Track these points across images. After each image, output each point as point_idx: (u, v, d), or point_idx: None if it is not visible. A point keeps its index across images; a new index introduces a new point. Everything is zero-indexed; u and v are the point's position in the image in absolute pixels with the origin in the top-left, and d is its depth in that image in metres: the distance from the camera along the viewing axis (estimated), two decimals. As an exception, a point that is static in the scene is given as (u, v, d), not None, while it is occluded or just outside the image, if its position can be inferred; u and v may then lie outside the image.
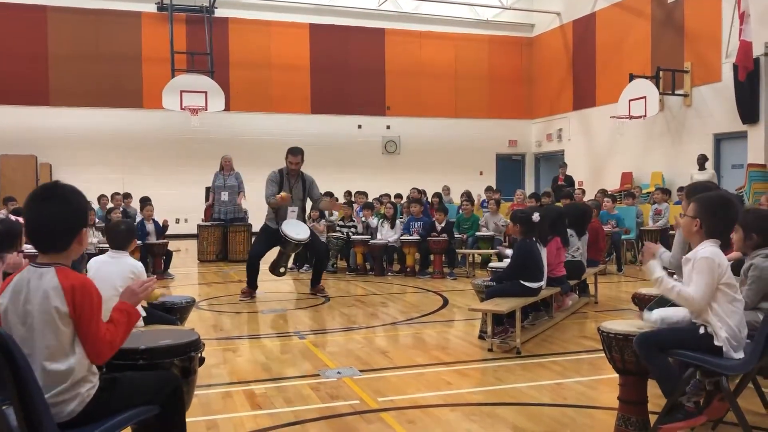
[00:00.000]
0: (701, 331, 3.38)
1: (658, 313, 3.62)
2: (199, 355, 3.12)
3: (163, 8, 18.68)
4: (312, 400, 4.44)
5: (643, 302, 4.83)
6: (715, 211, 3.47)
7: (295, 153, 8.57)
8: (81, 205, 2.66)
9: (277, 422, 4.03)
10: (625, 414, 3.60)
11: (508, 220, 11.84)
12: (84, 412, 2.56)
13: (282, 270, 8.91)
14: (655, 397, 3.67)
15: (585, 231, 7.68)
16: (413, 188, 14.71)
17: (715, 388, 3.58)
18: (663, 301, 4.42)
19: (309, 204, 9.25)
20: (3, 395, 2.39)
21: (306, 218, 8.93)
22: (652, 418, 3.56)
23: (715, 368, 3.34)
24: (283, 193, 8.34)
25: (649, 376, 3.59)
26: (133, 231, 4.84)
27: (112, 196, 13.58)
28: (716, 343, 3.33)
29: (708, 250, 3.39)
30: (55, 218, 2.57)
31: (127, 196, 13.80)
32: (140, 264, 4.80)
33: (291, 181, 8.58)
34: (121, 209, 12.11)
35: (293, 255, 9.92)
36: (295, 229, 8.49)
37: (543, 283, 6.07)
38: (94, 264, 4.52)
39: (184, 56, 17.96)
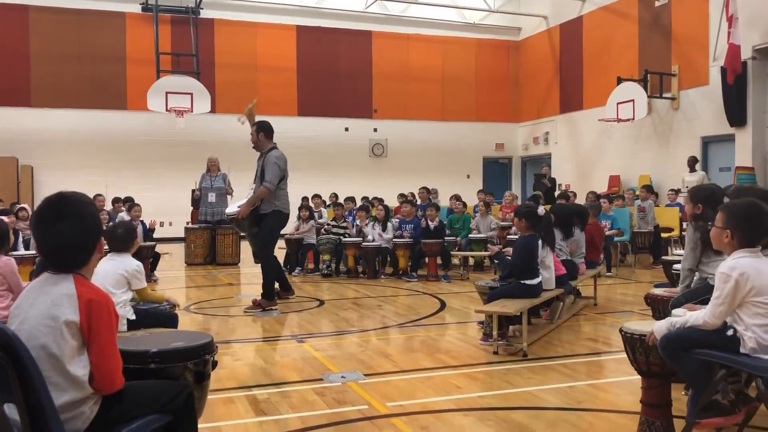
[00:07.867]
0: (729, 332, 3.25)
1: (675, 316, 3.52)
2: (212, 358, 2.96)
3: (148, 9, 18.40)
4: (318, 405, 4.28)
5: (656, 302, 4.74)
6: (747, 219, 3.26)
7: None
8: (94, 215, 2.48)
9: (283, 428, 3.87)
10: (649, 418, 3.47)
11: (500, 222, 11.83)
12: (90, 428, 2.39)
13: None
14: (679, 401, 3.56)
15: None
16: (400, 194, 14.56)
17: (738, 391, 3.48)
18: (678, 303, 4.34)
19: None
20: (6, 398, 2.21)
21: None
22: (677, 422, 3.45)
23: (744, 368, 3.22)
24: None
25: (673, 378, 3.48)
26: (132, 232, 4.68)
27: (95, 197, 13.11)
28: (742, 350, 3.21)
29: (728, 264, 3.22)
30: (71, 237, 2.37)
31: (117, 200, 13.09)
32: (136, 263, 4.65)
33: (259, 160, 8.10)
34: (106, 212, 11.73)
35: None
36: (234, 206, 8.09)
37: (540, 279, 5.93)
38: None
39: (169, 57, 17.71)
